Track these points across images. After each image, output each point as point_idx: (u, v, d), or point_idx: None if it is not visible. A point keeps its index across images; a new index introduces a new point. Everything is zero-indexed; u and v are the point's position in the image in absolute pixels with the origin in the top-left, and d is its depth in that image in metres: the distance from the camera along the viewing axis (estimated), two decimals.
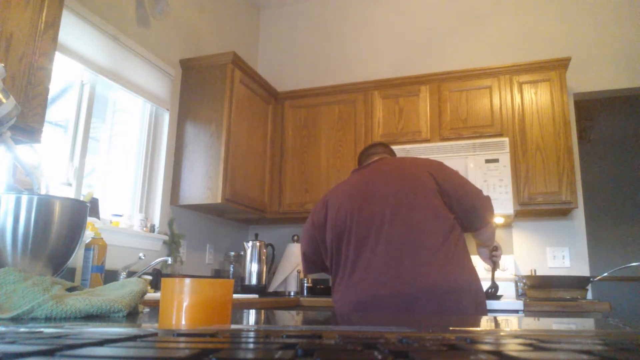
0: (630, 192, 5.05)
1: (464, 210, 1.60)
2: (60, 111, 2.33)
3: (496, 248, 1.86)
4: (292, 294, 3.21)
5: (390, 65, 3.65)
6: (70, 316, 0.73)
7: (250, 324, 0.77)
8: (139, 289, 0.86)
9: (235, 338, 0.38)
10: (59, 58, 2.01)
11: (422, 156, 2.88)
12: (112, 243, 2.20)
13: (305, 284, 3.18)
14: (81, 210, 1.09)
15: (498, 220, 2.93)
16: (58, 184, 2.16)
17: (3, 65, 1.08)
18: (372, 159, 1.80)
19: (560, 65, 2.93)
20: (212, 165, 2.81)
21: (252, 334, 0.43)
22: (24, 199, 0.99)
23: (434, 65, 3.46)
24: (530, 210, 2.84)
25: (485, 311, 1.53)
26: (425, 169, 1.63)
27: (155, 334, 0.42)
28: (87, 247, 1.74)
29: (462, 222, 1.60)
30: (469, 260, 1.55)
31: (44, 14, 1.60)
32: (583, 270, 2.96)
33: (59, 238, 1.03)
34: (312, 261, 1.77)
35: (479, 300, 1.49)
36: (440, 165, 1.68)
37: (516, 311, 2.36)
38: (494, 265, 1.93)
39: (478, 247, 1.89)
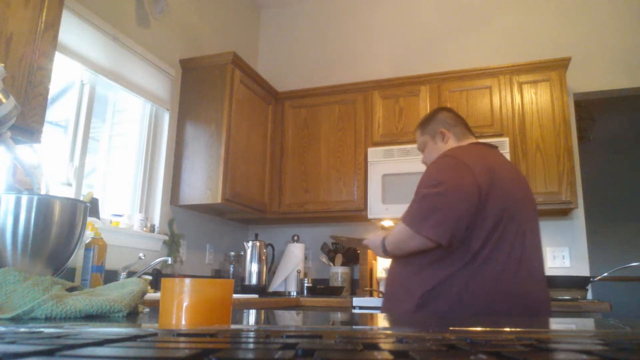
0: (630, 192, 5.05)
1: None
2: (60, 111, 2.32)
3: None
4: (292, 294, 3.21)
5: (390, 65, 3.65)
6: (70, 316, 0.73)
7: (250, 324, 0.77)
8: (139, 289, 0.86)
9: (235, 338, 0.38)
10: (59, 58, 2.01)
11: None
12: (112, 243, 2.20)
13: (306, 284, 3.18)
14: (81, 211, 1.09)
15: None
16: (58, 184, 2.16)
17: (3, 65, 1.08)
18: (474, 138, 1.71)
19: (560, 65, 2.93)
20: (212, 165, 2.81)
21: (252, 334, 0.43)
22: (24, 199, 0.99)
23: (434, 65, 3.46)
24: None
25: None
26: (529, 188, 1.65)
27: (155, 334, 0.42)
28: (87, 247, 1.74)
29: None
30: None
31: (44, 14, 1.60)
32: (583, 270, 2.96)
33: (58, 238, 1.03)
34: (450, 238, 1.38)
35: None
36: None
37: None
38: None
39: None
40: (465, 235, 1.39)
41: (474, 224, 1.38)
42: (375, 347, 0.33)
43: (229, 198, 2.82)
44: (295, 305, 2.74)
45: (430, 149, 1.73)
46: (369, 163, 3.07)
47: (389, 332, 0.46)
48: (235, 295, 2.41)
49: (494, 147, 1.65)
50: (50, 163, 2.20)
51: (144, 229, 2.62)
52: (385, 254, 1.58)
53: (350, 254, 3.32)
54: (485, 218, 1.39)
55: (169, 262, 2.56)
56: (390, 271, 1.63)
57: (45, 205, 1.01)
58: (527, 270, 1.44)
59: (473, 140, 1.68)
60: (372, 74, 3.54)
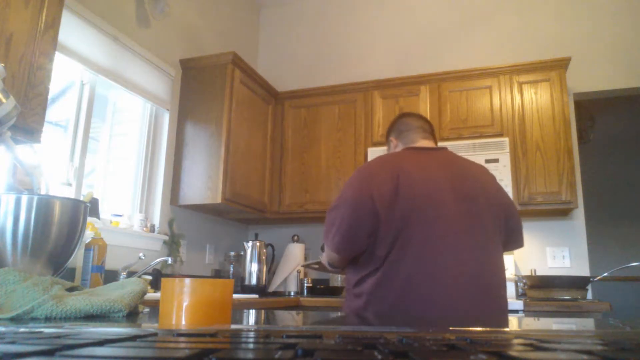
0: (630, 192, 5.05)
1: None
2: (60, 111, 2.33)
3: None
4: (292, 294, 3.20)
5: (390, 65, 3.65)
6: (70, 316, 0.73)
7: (250, 324, 0.77)
8: (139, 289, 0.86)
9: (235, 338, 0.38)
10: (59, 58, 2.01)
11: None
12: (112, 243, 2.20)
13: (305, 284, 3.18)
14: (81, 210, 1.09)
15: None
16: (58, 184, 2.16)
17: (3, 65, 1.08)
18: (426, 141, 1.62)
19: (560, 65, 2.93)
20: (212, 165, 2.81)
21: (252, 334, 0.43)
22: (24, 199, 0.99)
23: (434, 65, 3.46)
24: (530, 210, 2.84)
25: None
26: (495, 187, 1.53)
27: (155, 334, 0.42)
28: (87, 247, 1.74)
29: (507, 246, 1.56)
30: None
31: (44, 14, 1.60)
32: (583, 270, 2.96)
33: (58, 238, 1.02)
34: (350, 249, 1.41)
35: None
36: (500, 187, 1.57)
37: (516, 311, 2.36)
38: None
39: None
40: (370, 243, 1.40)
41: (376, 232, 1.38)
42: (375, 347, 0.33)
43: (229, 198, 2.82)
44: (295, 305, 2.74)
45: None
46: None
47: (389, 332, 0.46)
48: (235, 295, 2.41)
49: (435, 150, 1.56)
50: (50, 163, 2.20)
51: (144, 229, 2.62)
52: (329, 266, 1.60)
53: None
54: (390, 224, 1.37)
55: (169, 262, 2.56)
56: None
57: (45, 205, 1.01)
58: (449, 275, 1.34)
59: (418, 144, 1.61)
60: (372, 74, 3.54)
